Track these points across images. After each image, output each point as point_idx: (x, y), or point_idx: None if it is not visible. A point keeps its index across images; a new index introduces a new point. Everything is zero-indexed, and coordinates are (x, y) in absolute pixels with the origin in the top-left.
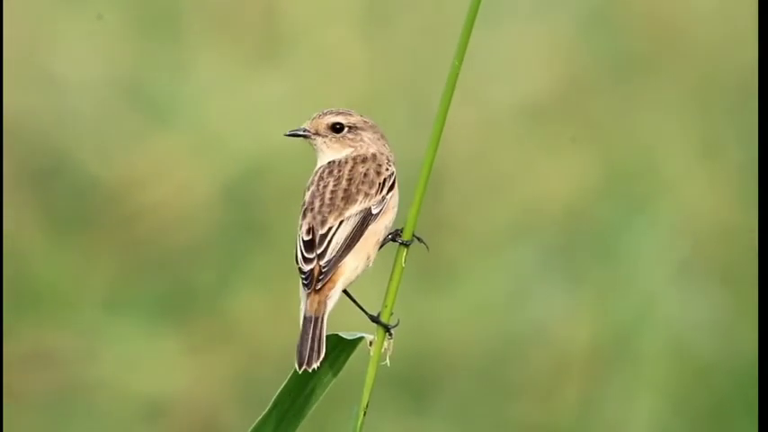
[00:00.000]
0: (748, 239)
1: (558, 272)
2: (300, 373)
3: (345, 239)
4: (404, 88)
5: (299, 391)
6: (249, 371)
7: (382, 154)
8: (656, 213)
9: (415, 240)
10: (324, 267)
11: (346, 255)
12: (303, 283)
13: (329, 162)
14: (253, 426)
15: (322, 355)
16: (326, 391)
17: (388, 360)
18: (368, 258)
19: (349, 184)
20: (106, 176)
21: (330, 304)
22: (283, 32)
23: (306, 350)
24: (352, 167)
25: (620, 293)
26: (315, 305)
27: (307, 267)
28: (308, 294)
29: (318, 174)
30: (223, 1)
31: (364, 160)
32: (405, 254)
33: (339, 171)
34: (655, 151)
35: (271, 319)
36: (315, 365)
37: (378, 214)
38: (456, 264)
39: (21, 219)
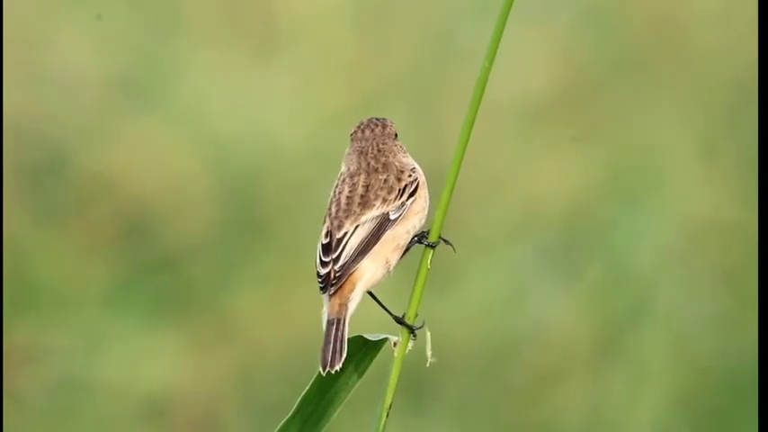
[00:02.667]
0: (748, 238)
1: (559, 271)
2: (324, 375)
3: (360, 244)
4: (403, 85)
5: (324, 394)
6: (249, 369)
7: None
8: (656, 212)
9: (442, 242)
10: (338, 272)
11: (361, 259)
12: (319, 287)
13: (348, 169)
14: (278, 427)
15: (344, 357)
16: (351, 393)
17: (430, 358)
18: (387, 263)
19: (366, 191)
20: (105, 173)
21: (351, 307)
22: (283, 29)
23: (329, 352)
24: (368, 175)
25: (621, 292)
26: (336, 308)
27: (323, 271)
28: (330, 297)
29: (337, 181)
30: None
31: (380, 170)
32: (431, 256)
33: (354, 179)
34: (655, 150)
35: (270, 317)
36: (337, 367)
37: (396, 220)
38: (456, 263)
39: (19, 217)
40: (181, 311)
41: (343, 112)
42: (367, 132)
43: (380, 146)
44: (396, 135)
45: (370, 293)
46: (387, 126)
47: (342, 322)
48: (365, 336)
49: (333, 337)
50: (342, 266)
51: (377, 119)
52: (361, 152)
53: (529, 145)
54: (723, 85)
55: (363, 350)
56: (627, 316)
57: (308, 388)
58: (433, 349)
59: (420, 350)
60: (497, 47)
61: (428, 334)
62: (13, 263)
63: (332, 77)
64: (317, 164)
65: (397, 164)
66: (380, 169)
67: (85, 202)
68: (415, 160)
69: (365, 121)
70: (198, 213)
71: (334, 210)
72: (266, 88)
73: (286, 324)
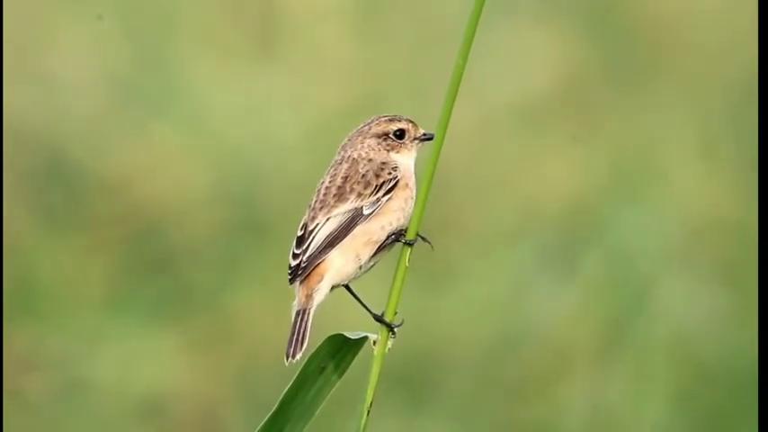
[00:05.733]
0: (749, 235)
1: (559, 270)
2: (286, 365)
3: (329, 236)
4: (402, 85)
5: (307, 391)
6: (248, 369)
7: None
8: (657, 211)
9: (420, 240)
10: (304, 262)
11: (328, 251)
12: (288, 278)
13: (333, 161)
14: (260, 426)
15: (304, 346)
16: (333, 390)
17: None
18: (357, 257)
19: (344, 182)
20: (105, 175)
21: (317, 298)
22: (281, 29)
23: (291, 343)
24: (350, 166)
25: (621, 291)
26: (303, 298)
27: (293, 263)
28: (299, 288)
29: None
30: None
31: (365, 161)
32: (409, 253)
33: (336, 168)
34: (655, 149)
35: (270, 316)
36: (298, 356)
37: (370, 215)
38: (456, 263)
39: (18, 217)
40: (181, 312)
41: (343, 112)
42: (360, 126)
43: (365, 140)
44: (401, 133)
45: (349, 291)
46: (385, 123)
47: (306, 313)
48: (345, 334)
49: (296, 328)
50: (309, 257)
51: (384, 116)
52: (345, 144)
53: (529, 145)
54: (723, 83)
55: (344, 348)
56: (627, 315)
57: (289, 386)
58: (391, 356)
59: (416, 349)
60: (470, 45)
61: (395, 329)
62: (13, 264)
63: (332, 78)
64: (318, 164)
65: (380, 161)
66: (362, 163)
67: (86, 203)
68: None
69: (372, 117)
70: (198, 214)
71: (313, 200)
72: (267, 89)
73: (286, 324)
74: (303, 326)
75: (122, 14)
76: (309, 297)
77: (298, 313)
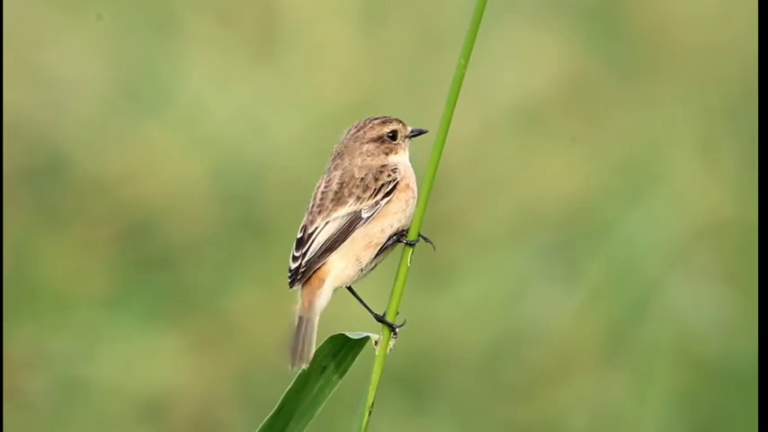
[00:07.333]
0: (750, 235)
1: (559, 271)
2: (292, 371)
3: (327, 240)
4: (402, 85)
5: (308, 391)
6: (247, 368)
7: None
8: (657, 212)
9: (421, 240)
10: (303, 267)
11: (328, 255)
12: (288, 281)
13: (327, 166)
14: (261, 425)
15: (310, 356)
16: (334, 390)
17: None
18: (358, 260)
19: (340, 187)
20: (104, 174)
21: (319, 303)
22: (281, 28)
23: (297, 350)
24: (344, 173)
25: (621, 291)
26: (306, 304)
27: (293, 266)
28: (301, 293)
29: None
30: None
31: (358, 168)
32: (410, 254)
33: (330, 175)
34: (656, 150)
35: (269, 316)
36: (304, 366)
37: (369, 218)
38: (456, 263)
39: (18, 216)
40: (180, 311)
41: (341, 112)
42: (352, 131)
43: (363, 145)
44: (394, 134)
45: (351, 291)
46: (379, 126)
47: (309, 321)
48: (347, 334)
49: (300, 336)
50: (308, 261)
51: (375, 118)
52: (342, 150)
53: (529, 145)
54: (723, 83)
55: (345, 348)
56: (629, 315)
57: (290, 386)
58: (392, 356)
59: (417, 349)
60: (473, 44)
61: (396, 330)
62: (13, 264)
63: (331, 77)
64: (317, 163)
65: (378, 164)
66: (358, 167)
67: (85, 203)
68: (413, 160)
69: (361, 120)
70: (197, 214)
71: (311, 204)
72: (266, 88)
73: (285, 323)
74: (307, 334)
75: (122, 14)
76: (312, 303)
77: (300, 320)
